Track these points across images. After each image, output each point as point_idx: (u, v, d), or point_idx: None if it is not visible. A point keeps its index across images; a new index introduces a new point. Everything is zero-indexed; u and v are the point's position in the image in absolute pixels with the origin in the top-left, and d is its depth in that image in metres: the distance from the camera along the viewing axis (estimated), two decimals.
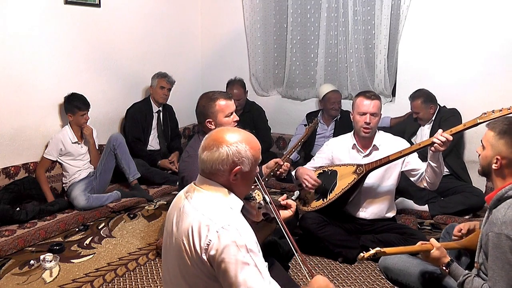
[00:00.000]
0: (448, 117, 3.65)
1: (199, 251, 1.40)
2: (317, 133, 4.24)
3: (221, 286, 1.42)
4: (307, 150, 4.24)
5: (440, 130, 2.44)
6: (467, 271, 1.80)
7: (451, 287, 1.97)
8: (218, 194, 1.51)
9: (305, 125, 4.24)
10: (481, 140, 1.84)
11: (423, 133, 3.79)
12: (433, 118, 3.75)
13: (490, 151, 1.77)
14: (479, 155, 1.85)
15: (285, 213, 1.95)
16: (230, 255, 1.36)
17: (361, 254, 1.90)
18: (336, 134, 3.95)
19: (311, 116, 4.29)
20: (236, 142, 1.50)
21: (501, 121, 1.79)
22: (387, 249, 1.94)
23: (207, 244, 1.38)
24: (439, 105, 3.78)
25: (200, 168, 1.54)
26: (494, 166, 1.76)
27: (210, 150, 1.49)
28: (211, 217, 1.42)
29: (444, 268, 1.84)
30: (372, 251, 1.89)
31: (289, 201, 1.99)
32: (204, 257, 1.39)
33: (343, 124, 4.05)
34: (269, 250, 2.33)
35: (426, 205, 3.48)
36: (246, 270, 1.36)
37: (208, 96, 2.57)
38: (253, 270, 1.37)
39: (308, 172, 2.84)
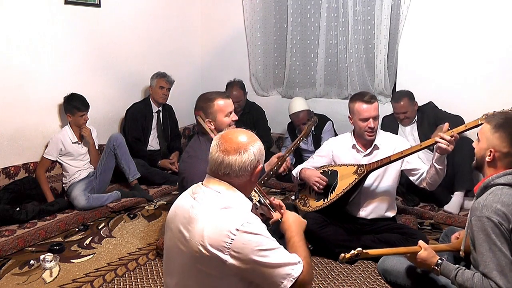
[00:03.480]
0: (428, 113, 3.68)
1: (215, 251, 1.39)
2: (302, 149, 4.21)
3: (231, 282, 1.43)
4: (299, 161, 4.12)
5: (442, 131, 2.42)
6: (457, 265, 1.81)
7: (445, 283, 1.97)
8: (230, 195, 1.50)
9: (295, 133, 4.23)
10: (477, 134, 1.89)
11: (406, 133, 3.76)
12: (416, 118, 3.75)
13: (485, 144, 1.82)
14: (475, 149, 1.89)
15: (275, 215, 1.93)
16: (254, 250, 1.38)
17: (342, 255, 1.83)
18: (316, 146, 3.81)
19: (292, 126, 4.30)
20: (254, 141, 1.53)
21: (498, 116, 1.84)
22: (370, 251, 1.87)
23: (229, 243, 1.38)
24: (416, 102, 3.78)
25: (219, 171, 1.50)
26: (487, 158, 1.81)
27: (238, 153, 1.47)
28: (227, 217, 1.42)
29: (435, 268, 1.85)
30: (354, 252, 1.83)
31: (280, 202, 1.97)
32: (224, 257, 1.39)
33: (319, 134, 4.08)
34: None
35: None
36: (274, 255, 1.41)
37: (206, 97, 2.57)
38: (278, 252, 1.43)
39: (317, 174, 2.85)
